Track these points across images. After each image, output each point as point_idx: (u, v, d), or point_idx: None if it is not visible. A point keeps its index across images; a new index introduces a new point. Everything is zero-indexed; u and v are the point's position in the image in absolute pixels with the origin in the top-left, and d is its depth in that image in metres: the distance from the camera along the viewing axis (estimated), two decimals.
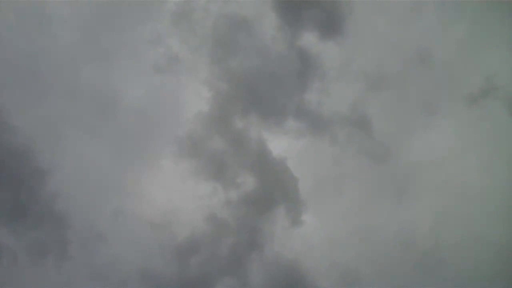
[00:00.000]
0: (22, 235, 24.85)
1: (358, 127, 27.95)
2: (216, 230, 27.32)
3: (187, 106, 28.47)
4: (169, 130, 28.38)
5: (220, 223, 27.39)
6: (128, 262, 25.84)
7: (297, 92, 28.36)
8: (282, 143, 28.23)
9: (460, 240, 24.46)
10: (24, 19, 27.13)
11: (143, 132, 28.24)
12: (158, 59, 28.63)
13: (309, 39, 28.71)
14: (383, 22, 28.48)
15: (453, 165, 26.66)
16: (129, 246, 26.25)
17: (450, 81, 27.33)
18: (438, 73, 27.45)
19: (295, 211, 27.74)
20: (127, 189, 27.06)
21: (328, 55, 28.47)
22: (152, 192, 27.17)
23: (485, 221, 24.49)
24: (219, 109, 28.17)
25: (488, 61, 26.62)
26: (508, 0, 25.57)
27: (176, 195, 27.22)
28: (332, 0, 28.21)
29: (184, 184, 27.44)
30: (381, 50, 28.13)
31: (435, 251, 24.87)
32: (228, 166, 27.98)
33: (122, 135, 28.02)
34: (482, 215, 25.10)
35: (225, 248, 27.23)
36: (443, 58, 27.40)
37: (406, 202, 26.96)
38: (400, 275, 24.87)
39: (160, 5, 28.68)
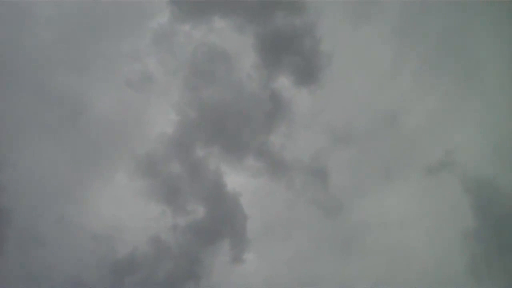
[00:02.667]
0: None
1: (316, 178, 29.17)
2: (157, 253, 28.09)
3: (152, 125, 29.72)
4: (129, 146, 29.44)
5: (163, 246, 28.17)
6: (62, 270, 26.61)
7: (262, 132, 29.65)
8: (238, 179, 29.31)
9: None
10: (5, 13, 28.18)
11: (103, 144, 29.34)
12: (132, 74, 29.88)
13: (284, 83, 30.17)
14: (359, 80, 30.00)
15: (401, 231, 27.90)
16: (67, 254, 26.98)
17: (412, 149, 28.70)
18: (402, 139, 28.80)
19: (238, 248, 28.62)
20: (76, 197, 28.01)
21: (299, 102, 29.92)
22: (100, 205, 28.13)
23: None
24: (183, 135, 29.42)
25: (451, 136, 28.09)
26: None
27: (123, 212, 28.06)
28: (313, 50, 29.37)
29: (133, 202, 28.35)
30: (352, 107, 29.60)
31: None
32: (181, 192, 29.00)
33: (82, 143, 29.13)
34: (423, 284, 26.22)
35: (162, 273, 27.93)
36: (409, 126, 28.88)
37: (351, 259, 28.08)
38: None
39: (144, 22, 29.99)
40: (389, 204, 28.18)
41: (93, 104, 29.39)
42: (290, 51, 29.51)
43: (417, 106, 28.78)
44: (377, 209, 28.28)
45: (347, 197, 28.85)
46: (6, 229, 26.41)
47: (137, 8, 30.24)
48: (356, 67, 29.82)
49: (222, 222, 29.07)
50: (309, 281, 27.78)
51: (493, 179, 26.15)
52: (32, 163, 27.52)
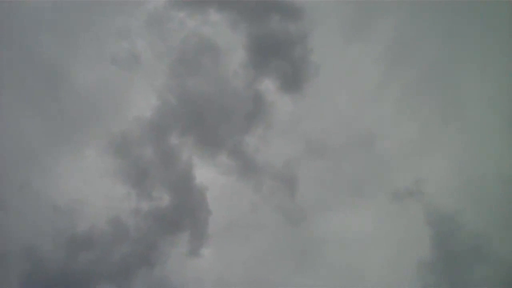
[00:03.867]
0: None
1: (284, 185, 29.76)
2: (115, 234, 28.46)
3: (131, 106, 30.19)
4: (105, 123, 29.86)
5: (122, 228, 28.62)
6: (18, 236, 26.83)
7: (239, 132, 30.21)
8: (208, 174, 29.88)
9: None
10: None
11: (79, 117, 29.80)
12: (120, 53, 30.17)
13: (268, 86, 30.73)
14: (342, 96, 30.64)
15: (359, 251, 28.59)
16: (25, 221, 27.35)
17: (383, 172, 29.42)
18: (375, 161, 29.52)
19: (197, 242, 29.14)
20: (43, 166, 28.44)
21: (280, 107, 30.51)
22: (66, 177, 28.62)
23: None
24: (161, 120, 29.85)
25: (423, 166, 28.84)
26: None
27: (88, 187, 28.56)
28: (302, 58, 29.93)
29: (99, 180, 28.86)
30: (331, 122, 30.23)
31: None
32: (149, 177, 29.50)
33: (58, 112, 29.47)
34: None
35: (118, 255, 28.28)
36: (384, 149, 29.56)
37: (306, 270, 28.68)
38: None
39: (140, 3, 30.37)
40: (352, 222, 28.87)
41: (75, 75, 29.85)
42: (280, 56, 30.15)
43: (394, 131, 29.38)
44: (339, 226, 28.85)
45: (312, 209, 29.46)
46: None
47: None
48: (341, 83, 30.47)
49: (185, 214, 29.51)
50: (261, 285, 27.61)
51: (456, 214, 26.78)
52: (2, 125, 27.35)
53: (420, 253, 27.06)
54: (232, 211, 30.08)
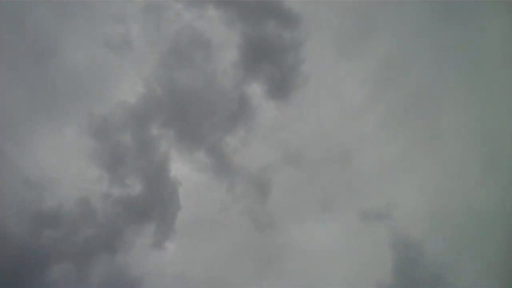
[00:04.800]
0: None
1: (257, 190, 30.26)
2: (82, 215, 28.91)
3: (117, 91, 30.61)
4: (88, 103, 30.17)
5: (89, 211, 29.06)
6: None
7: (220, 131, 30.71)
8: (183, 169, 30.40)
9: None
10: None
11: (63, 93, 30.12)
12: (113, 36, 30.52)
13: (256, 90, 31.25)
14: (327, 110, 31.28)
15: (322, 264, 29.22)
16: None
17: (356, 191, 30.10)
18: (350, 179, 30.20)
19: (163, 235, 29.58)
20: (18, 137, 28.58)
21: (264, 112, 31.03)
22: (41, 152, 28.91)
23: None
24: (144, 109, 30.23)
25: (396, 190, 29.51)
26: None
27: (61, 165, 28.90)
28: (293, 67, 30.49)
29: (74, 159, 29.17)
30: (312, 134, 30.81)
31: None
32: (124, 163, 29.91)
33: (43, 87, 29.87)
34: None
35: (81, 237, 28.65)
36: (361, 168, 30.31)
37: (267, 276, 29.28)
38: None
39: None
40: (318, 235, 29.48)
41: (66, 52, 30.08)
42: (271, 61, 30.59)
43: (372, 152, 30.03)
44: (305, 237, 29.47)
45: (281, 216, 30.05)
46: None
47: None
48: (327, 96, 31.18)
49: (155, 205, 29.94)
50: (220, 286, 28.31)
51: (420, 242, 27.37)
52: None
53: (380, 276, 27.65)
54: (202, 209, 30.46)
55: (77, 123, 29.78)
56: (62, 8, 30.08)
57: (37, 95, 29.47)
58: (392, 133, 30.04)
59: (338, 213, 29.59)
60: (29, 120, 28.81)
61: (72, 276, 27.83)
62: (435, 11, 30.45)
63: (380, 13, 30.84)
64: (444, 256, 27.16)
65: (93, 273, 28.31)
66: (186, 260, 29.59)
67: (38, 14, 29.70)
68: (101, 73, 30.51)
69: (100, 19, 30.37)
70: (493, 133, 28.26)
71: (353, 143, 30.15)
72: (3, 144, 28.00)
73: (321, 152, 30.42)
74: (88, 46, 30.24)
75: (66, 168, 28.82)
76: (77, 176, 28.92)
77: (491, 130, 28.35)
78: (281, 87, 30.52)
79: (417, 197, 28.64)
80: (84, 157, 29.40)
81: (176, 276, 28.88)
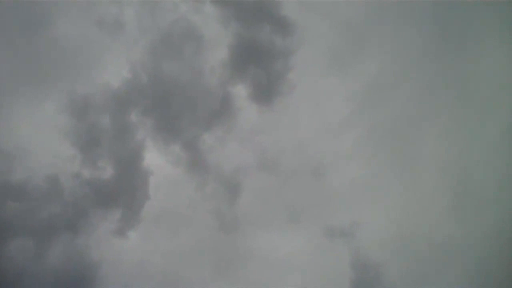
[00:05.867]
0: None
1: (227, 191, 30.76)
2: (50, 192, 29.22)
3: (102, 72, 31.07)
4: (71, 81, 30.52)
5: (57, 188, 29.38)
6: None
7: (199, 127, 31.13)
8: (157, 159, 30.86)
9: None
10: None
11: (48, 68, 30.56)
12: (106, 16, 31.12)
13: (240, 91, 31.82)
14: (308, 121, 32.04)
15: (281, 274, 29.76)
16: None
17: (324, 206, 30.82)
18: (320, 193, 30.85)
19: (127, 223, 29.97)
20: None
21: (246, 115, 31.53)
22: (16, 123, 29.33)
23: None
24: (126, 94, 30.63)
25: (362, 210, 30.23)
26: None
27: (35, 139, 29.17)
28: (281, 74, 31.02)
29: (49, 135, 29.50)
30: (289, 143, 31.48)
31: None
32: (98, 146, 30.25)
33: (28, 59, 30.39)
34: None
35: (46, 213, 28.94)
36: (332, 184, 30.92)
37: (225, 279, 29.79)
38: None
39: None
40: (281, 245, 30.14)
41: (56, 26, 30.46)
42: (260, 65, 31.00)
43: (345, 170, 30.68)
44: (268, 245, 30.10)
45: (247, 221, 30.62)
46: None
47: None
48: (310, 108, 31.86)
49: (123, 192, 30.22)
50: (176, 281, 28.93)
51: (380, 265, 27.99)
52: None
53: None
54: (170, 202, 30.99)
55: (58, 98, 30.10)
56: None
57: (21, 65, 29.91)
58: (368, 154, 30.63)
59: (304, 226, 30.11)
60: (9, 89, 29.00)
61: (30, 252, 27.97)
62: (429, 41, 31.01)
63: (374, 34, 31.46)
64: (401, 282, 27.39)
65: (52, 252, 28.42)
66: (146, 251, 29.93)
67: None
68: (88, 52, 31.05)
69: None
70: (467, 167, 28.87)
71: (328, 158, 30.68)
72: None
73: (296, 162, 30.97)
74: (80, 23, 30.74)
75: (40, 142, 29.08)
76: (50, 151, 29.26)
77: (465, 164, 28.88)
78: (265, 92, 31.02)
79: (383, 220, 29.24)
80: (59, 134, 29.71)
81: (135, 265, 29.33)
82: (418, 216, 28.78)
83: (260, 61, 30.95)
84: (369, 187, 30.17)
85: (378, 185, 29.95)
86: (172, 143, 30.72)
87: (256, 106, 31.17)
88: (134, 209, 30.24)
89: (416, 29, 30.89)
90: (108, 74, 30.63)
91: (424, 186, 29.31)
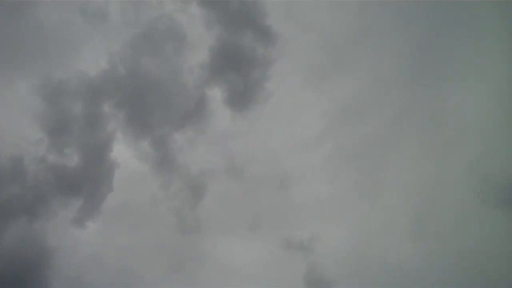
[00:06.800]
0: None
1: (192, 192, 31.18)
2: (12, 173, 29.31)
3: (79, 60, 31.49)
4: (48, 66, 30.90)
5: (20, 170, 29.50)
6: None
7: (171, 126, 31.44)
8: (125, 153, 31.25)
9: None
10: None
11: (26, 49, 30.98)
12: (90, 4, 31.82)
13: (216, 95, 32.47)
14: (280, 132, 32.91)
15: (236, 282, 30.07)
16: None
17: (286, 217, 31.35)
18: (284, 204, 31.44)
19: (87, 213, 30.20)
20: None
21: (218, 118, 32.04)
22: None
23: None
24: (102, 85, 31.00)
25: (323, 227, 30.77)
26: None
27: (3, 118, 29.69)
28: (259, 82, 31.63)
29: (19, 116, 29.71)
30: (259, 150, 32.04)
31: None
32: (67, 132, 30.45)
33: (7, 39, 30.56)
34: None
35: (4, 193, 29.00)
36: (296, 197, 31.61)
37: (179, 281, 30.00)
38: None
39: None
40: (239, 252, 30.69)
41: (40, 9, 30.97)
42: (238, 71, 31.47)
43: (312, 185, 31.46)
44: (227, 251, 30.71)
45: (208, 225, 31.06)
46: None
47: None
48: (283, 120, 32.45)
49: (87, 182, 30.40)
50: (129, 278, 29.13)
51: (332, 282, 28.61)
52: None
53: None
54: (133, 197, 31.34)
55: (32, 81, 30.13)
56: None
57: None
58: (335, 171, 31.35)
59: (263, 235, 30.63)
60: None
61: None
62: (407, 67, 31.88)
63: (354, 54, 32.23)
64: None
65: (6, 233, 28.26)
66: (104, 243, 30.22)
67: None
68: (69, 38, 31.36)
69: None
70: (429, 195, 29.67)
71: (295, 171, 31.31)
72: None
73: (263, 171, 31.53)
74: (63, 8, 31.01)
75: (8, 122, 29.42)
76: (17, 133, 29.35)
77: (427, 192, 29.69)
78: (241, 99, 31.53)
79: (342, 238, 29.83)
80: (29, 116, 29.78)
81: (90, 256, 29.58)
82: (377, 238, 29.34)
83: (239, 67, 31.43)
84: (332, 204, 30.71)
85: (341, 203, 30.51)
86: (141, 139, 31.00)
87: (230, 112, 31.65)
88: (96, 200, 30.37)
89: (396, 54, 31.53)
90: (86, 63, 30.97)
91: (386, 209, 29.88)
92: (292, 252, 30.03)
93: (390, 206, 29.90)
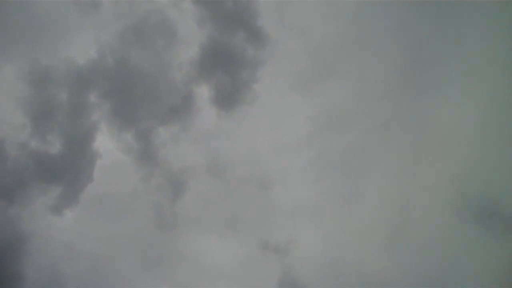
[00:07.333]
0: None
1: (172, 188, 31.42)
2: None
3: (69, 47, 31.66)
4: (36, 49, 31.15)
5: (1, 155, 29.44)
6: None
7: (156, 120, 31.68)
8: (107, 144, 31.48)
9: None
10: None
11: (15, 32, 31.07)
12: None
13: (203, 93, 32.82)
14: (264, 134, 33.45)
15: (210, 280, 30.46)
16: None
17: (264, 218, 31.71)
18: (264, 204, 31.88)
19: (65, 201, 30.38)
20: None
21: (204, 116, 32.44)
22: None
23: None
24: (89, 73, 31.14)
25: (302, 232, 31.27)
26: None
27: None
28: (247, 83, 31.97)
29: (4, 99, 29.82)
30: (242, 151, 32.49)
31: None
32: (51, 120, 30.60)
33: None
34: None
35: None
36: (277, 199, 31.95)
37: (155, 275, 30.24)
38: None
39: None
40: (215, 250, 31.23)
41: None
42: (227, 70, 31.79)
43: (292, 189, 31.98)
44: (203, 247, 31.29)
45: (185, 222, 31.41)
46: None
47: None
48: (269, 122, 32.97)
49: (67, 170, 30.50)
50: (101, 270, 29.63)
51: (304, 287, 28.84)
52: None
53: None
54: (112, 189, 31.47)
55: (20, 66, 30.21)
56: None
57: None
58: (316, 177, 31.81)
59: (240, 235, 30.97)
60: None
61: None
62: (395, 79, 32.51)
63: (344, 62, 32.72)
64: None
65: None
66: (80, 233, 30.41)
67: None
68: (59, 24, 31.35)
69: None
70: (406, 207, 30.18)
71: (277, 174, 31.71)
72: None
73: (244, 172, 31.87)
74: None
75: None
76: (0, 116, 28.95)
77: (405, 204, 30.24)
78: (228, 98, 31.82)
79: (318, 244, 30.35)
80: (13, 100, 29.83)
81: (65, 245, 29.88)
82: (353, 246, 29.74)
83: (228, 67, 31.78)
84: (311, 209, 31.19)
85: (320, 209, 31.02)
86: (125, 131, 31.24)
87: (216, 110, 31.98)
88: (75, 188, 30.60)
89: (385, 65, 32.07)
90: (75, 50, 31.14)
91: (363, 217, 30.37)
92: (268, 254, 30.34)
93: (368, 216, 30.25)
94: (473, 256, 28.37)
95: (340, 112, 32.31)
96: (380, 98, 32.18)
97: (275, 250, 30.50)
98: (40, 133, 30.17)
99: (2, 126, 29.40)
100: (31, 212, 29.48)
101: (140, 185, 31.10)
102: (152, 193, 31.04)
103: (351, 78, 32.52)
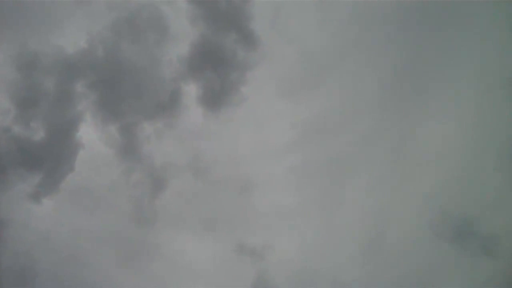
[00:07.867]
0: None
1: (153, 184, 31.67)
2: None
3: (59, 35, 31.73)
4: (26, 34, 31.19)
5: None
6: None
7: (141, 115, 31.83)
8: (91, 135, 31.65)
9: None
10: None
11: (4, 17, 30.60)
12: None
13: (191, 91, 33.00)
14: (249, 137, 33.80)
15: (185, 279, 30.71)
16: None
17: (244, 220, 32.04)
18: (244, 207, 32.15)
19: (45, 189, 30.56)
20: None
21: (190, 115, 32.60)
22: None
23: None
24: (77, 63, 31.30)
25: (279, 237, 31.70)
26: None
27: None
28: (235, 84, 32.22)
29: None
30: (226, 152, 32.89)
31: None
32: (36, 106, 30.77)
33: None
34: None
35: None
36: (258, 202, 32.34)
37: (129, 271, 30.51)
38: None
39: None
40: (192, 249, 31.62)
41: None
42: (217, 71, 32.04)
43: (273, 194, 32.35)
44: (180, 246, 31.84)
45: (164, 219, 31.59)
46: None
47: None
48: (255, 125, 33.25)
49: (49, 158, 30.68)
50: (78, 261, 29.67)
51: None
52: None
53: None
54: (93, 180, 31.73)
55: (7, 50, 30.23)
56: None
57: None
58: (296, 184, 32.22)
59: (218, 236, 31.33)
60: None
61: None
62: (383, 90, 32.85)
63: (333, 71, 33.04)
64: None
65: None
66: (57, 222, 30.63)
67: None
68: (51, 11, 31.30)
69: None
70: (384, 220, 30.69)
71: (259, 178, 32.02)
72: None
73: (226, 173, 32.17)
74: None
75: None
76: None
77: (382, 216, 30.76)
78: (215, 98, 32.09)
79: (294, 250, 30.73)
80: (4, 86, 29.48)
81: (41, 234, 29.91)
82: (329, 254, 30.20)
83: (218, 67, 31.95)
84: (290, 216, 31.55)
85: (299, 215, 31.39)
86: (110, 123, 31.48)
87: (203, 110, 32.24)
88: (56, 177, 30.79)
89: (372, 79, 32.58)
90: (65, 38, 31.17)
91: (341, 228, 30.83)
92: (244, 257, 30.56)
93: (346, 226, 30.72)
94: (446, 273, 28.85)
95: (325, 121, 32.59)
96: (364, 110, 32.66)
97: (251, 254, 30.75)
98: (24, 119, 30.18)
99: None
100: (9, 198, 29.27)
101: (121, 178, 31.09)
102: (132, 187, 30.96)
103: (338, 89, 32.89)
